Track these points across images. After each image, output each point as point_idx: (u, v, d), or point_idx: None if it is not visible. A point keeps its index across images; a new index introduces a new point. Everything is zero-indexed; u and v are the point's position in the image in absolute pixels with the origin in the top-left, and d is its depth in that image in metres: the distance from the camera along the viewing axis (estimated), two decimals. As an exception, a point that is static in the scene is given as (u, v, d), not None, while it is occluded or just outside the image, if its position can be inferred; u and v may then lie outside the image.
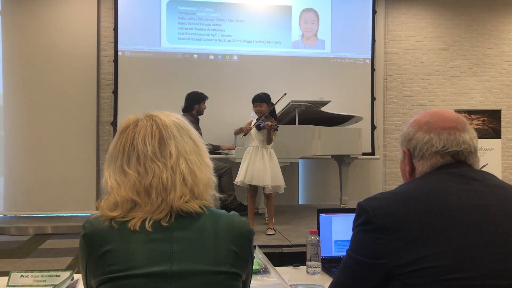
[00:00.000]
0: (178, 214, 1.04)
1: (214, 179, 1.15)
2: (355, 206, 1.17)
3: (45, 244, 5.06)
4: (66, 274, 1.64)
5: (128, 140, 1.10)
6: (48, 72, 6.28)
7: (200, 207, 1.06)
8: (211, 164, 1.16)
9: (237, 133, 4.97)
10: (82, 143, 6.32)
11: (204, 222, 1.06)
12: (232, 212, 1.13)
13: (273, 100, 4.53)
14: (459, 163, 1.15)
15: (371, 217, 1.07)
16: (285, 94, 4.64)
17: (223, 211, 1.12)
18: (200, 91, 5.45)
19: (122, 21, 6.40)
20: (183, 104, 5.41)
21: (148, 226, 1.01)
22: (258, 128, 4.38)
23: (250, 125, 4.55)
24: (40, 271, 1.67)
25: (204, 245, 1.03)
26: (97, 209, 1.09)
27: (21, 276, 1.64)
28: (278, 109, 4.99)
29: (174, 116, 1.16)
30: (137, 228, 1.00)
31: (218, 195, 1.17)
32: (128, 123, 1.14)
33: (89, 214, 6.22)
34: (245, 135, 4.53)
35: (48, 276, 1.65)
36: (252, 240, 1.12)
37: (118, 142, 1.11)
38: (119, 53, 6.40)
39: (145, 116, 1.14)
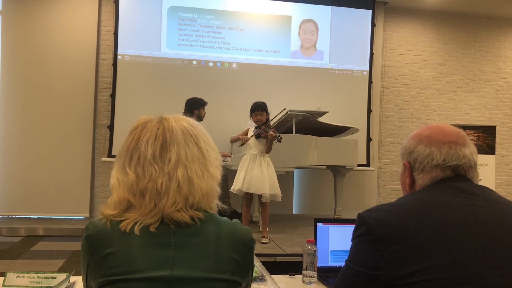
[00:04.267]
0: (170, 221, 1.03)
1: (217, 189, 1.13)
2: (349, 217, 1.18)
3: (37, 246, 5.03)
4: (63, 276, 1.63)
5: (134, 141, 1.10)
6: (46, 74, 6.27)
7: (192, 218, 1.04)
8: (216, 174, 1.13)
9: (233, 141, 4.98)
10: (78, 145, 6.31)
11: (206, 229, 1.05)
12: (234, 220, 1.12)
13: (269, 110, 4.56)
14: (459, 177, 1.17)
15: (371, 228, 1.08)
16: (284, 109, 4.67)
17: (225, 218, 1.11)
18: (199, 97, 5.45)
19: (122, 25, 6.42)
20: (180, 110, 5.41)
21: (137, 229, 1.01)
22: (258, 136, 4.39)
23: (247, 133, 4.56)
24: (36, 272, 1.66)
25: (205, 252, 1.02)
26: (90, 212, 1.09)
27: (17, 276, 1.63)
28: (276, 118, 5.01)
29: (186, 121, 1.14)
30: (127, 230, 1.00)
31: (221, 204, 1.15)
32: (138, 123, 1.14)
33: (82, 217, 6.20)
34: (241, 145, 4.54)
35: (44, 277, 1.64)
36: (253, 249, 1.12)
37: (125, 142, 1.12)
38: (118, 57, 6.41)
39: (156, 118, 1.14)
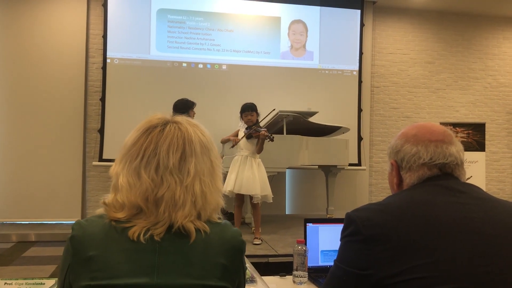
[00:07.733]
0: (176, 229, 1.01)
1: (222, 203, 1.11)
2: (341, 217, 1.17)
3: (29, 252, 4.99)
4: (51, 281, 1.61)
5: (152, 144, 1.06)
6: (35, 78, 6.23)
7: (196, 229, 1.02)
8: (221, 188, 1.13)
9: (224, 142, 4.96)
10: (68, 150, 6.27)
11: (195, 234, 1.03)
12: (224, 222, 1.10)
13: (260, 111, 4.56)
14: (446, 175, 1.17)
15: (359, 228, 1.08)
16: (274, 109, 4.69)
17: (214, 221, 1.09)
18: (188, 98, 5.37)
19: (111, 28, 6.39)
20: (171, 113, 5.35)
21: (143, 237, 0.98)
22: (249, 136, 4.38)
23: (237, 134, 4.56)
24: (25, 278, 1.64)
25: (191, 258, 1.00)
26: (82, 216, 1.06)
27: (5, 283, 1.62)
28: (266, 118, 5.01)
29: (200, 131, 1.13)
30: (135, 238, 0.98)
31: (222, 216, 1.12)
32: (155, 123, 1.10)
33: (73, 222, 6.14)
34: (232, 146, 4.54)
35: (33, 283, 1.62)
36: (243, 251, 1.10)
37: (140, 141, 1.07)
38: (108, 60, 6.38)
39: (172, 121, 1.11)
